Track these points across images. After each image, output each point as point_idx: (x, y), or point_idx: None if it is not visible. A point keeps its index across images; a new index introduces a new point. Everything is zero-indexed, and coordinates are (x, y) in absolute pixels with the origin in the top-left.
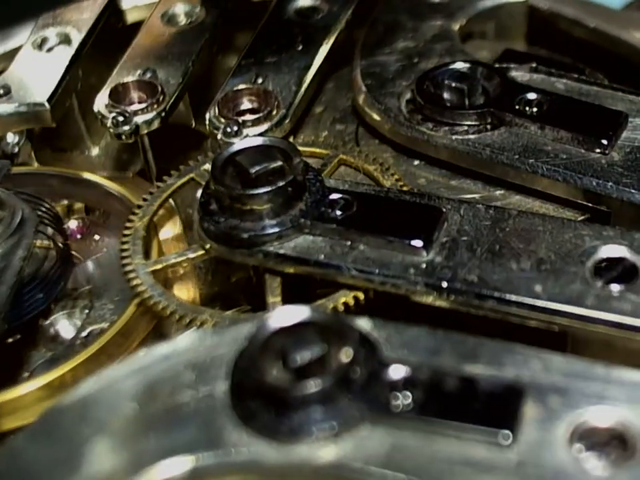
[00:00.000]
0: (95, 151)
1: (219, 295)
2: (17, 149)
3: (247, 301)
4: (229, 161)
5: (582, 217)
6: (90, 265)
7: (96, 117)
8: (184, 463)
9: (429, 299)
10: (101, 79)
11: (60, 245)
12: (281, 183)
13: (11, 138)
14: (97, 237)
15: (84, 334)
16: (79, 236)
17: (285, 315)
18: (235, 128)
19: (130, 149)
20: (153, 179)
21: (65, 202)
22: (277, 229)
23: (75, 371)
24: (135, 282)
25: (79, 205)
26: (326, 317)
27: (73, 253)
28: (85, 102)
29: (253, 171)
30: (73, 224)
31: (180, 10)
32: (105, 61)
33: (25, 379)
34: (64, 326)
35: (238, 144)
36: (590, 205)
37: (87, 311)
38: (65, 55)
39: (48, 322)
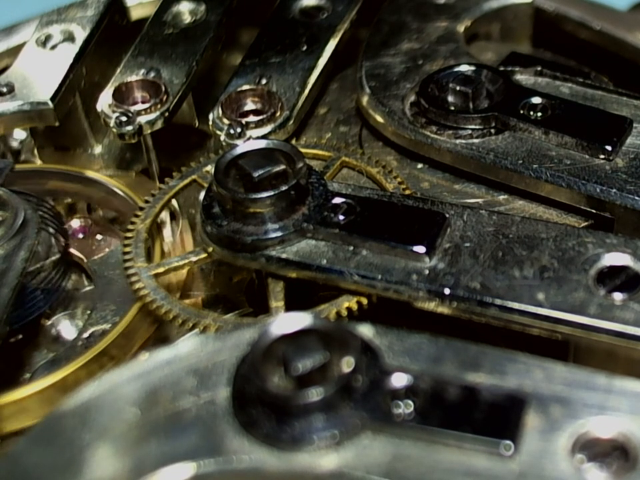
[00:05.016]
0: (98, 149)
1: (220, 296)
2: (20, 146)
3: (249, 303)
4: (232, 164)
5: (585, 223)
6: (92, 264)
7: (99, 116)
8: (185, 469)
9: (432, 306)
10: (105, 77)
11: (61, 245)
12: (284, 187)
13: (14, 135)
14: (99, 237)
15: (85, 335)
16: (81, 235)
17: (286, 322)
18: (238, 129)
19: (133, 148)
20: (156, 179)
21: (68, 200)
22: (279, 233)
23: (76, 373)
24: (137, 285)
25: (81, 204)
26: (328, 325)
27: (75, 252)
28: (88, 100)
29: (256, 174)
30: (75, 223)
31: (184, 8)
32: (108, 58)
33: (26, 380)
34: (65, 327)
35: (241, 147)
36: (593, 211)
37: (88, 311)
38: (68, 52)
39: (49, 323)
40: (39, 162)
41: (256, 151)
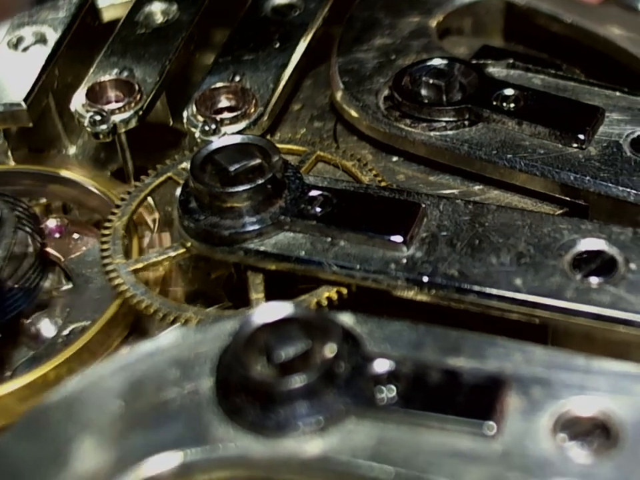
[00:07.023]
0: (72, 150)
1: (199, 292)
2: None
3: (228, 298)
4: (208, 159)
5: (560, 211)
6: (70, 263)
7: (73, 116)
8: (172, 458)
9: (410, 294)
10: (78, 78)
11: (38, 244)
12: (260, 181)
13: None
14: (76, 236)
15: (65, 332)
16: (57, 235)
17: (268, 311)
18: (213, 126)
19: (108, 148)
20: (131, 178)
21: (43, 201)
22: (257, 226)
23: (57, 370)
24: (116, 281)
25: (57, 204)
26: (309, 313)
27: (53, 251)
28: (62, 101)
29: (232, 169)
30: (51, 223)
31: (156, 8)
32: (81, 59)
33: (6, 378)
34: (45, 325)
35: (216, 142)
36: (568, 198)
37: (67, 309)
38: (41, 54)
39: (29, 321)
40: (12, 163)
41: (231, 146)
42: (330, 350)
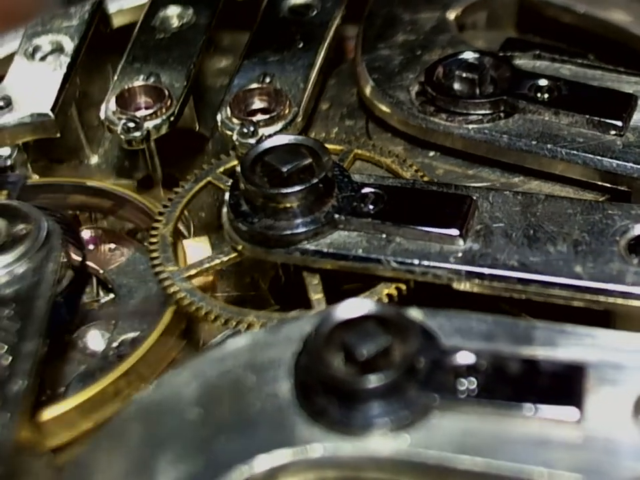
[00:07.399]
0: (94, 160)
1: (244, 297)
2: (9, 162)
3: (275, 301)
4: (257, 160)
5: (602, 198)
6: (110, 274)
7: (103, 124)
8: (262, 462)
9: (471, 287)
10: (93, 86)
11: (78, 256)
12: (314, 180)
13: (3, 151)
14: (111, 246)
15: (115, 344)
16: (91, 246)
17: (345, 309)
18: (252, 128)
19: (130, 156)
20: (160, 185)
21: (76, 212)
22: (312, 226)
23: (116, 383)
24: (172, 289)
25: (86, 215)
26: (386, 310)
27: (89, 263)
28: (82, 110)
29: (285, 169)
30: (85, 234)
31: (172, 12)
32: (95, 67)
33: (61, 394)
34: (92, 338)
35: (265, 143)
36: (608, 185)
37: (113, 321)
38: (60, 62)
39: (75, 335)
40: (34, 176)
41: (280, 147)
42: (410, 345)
